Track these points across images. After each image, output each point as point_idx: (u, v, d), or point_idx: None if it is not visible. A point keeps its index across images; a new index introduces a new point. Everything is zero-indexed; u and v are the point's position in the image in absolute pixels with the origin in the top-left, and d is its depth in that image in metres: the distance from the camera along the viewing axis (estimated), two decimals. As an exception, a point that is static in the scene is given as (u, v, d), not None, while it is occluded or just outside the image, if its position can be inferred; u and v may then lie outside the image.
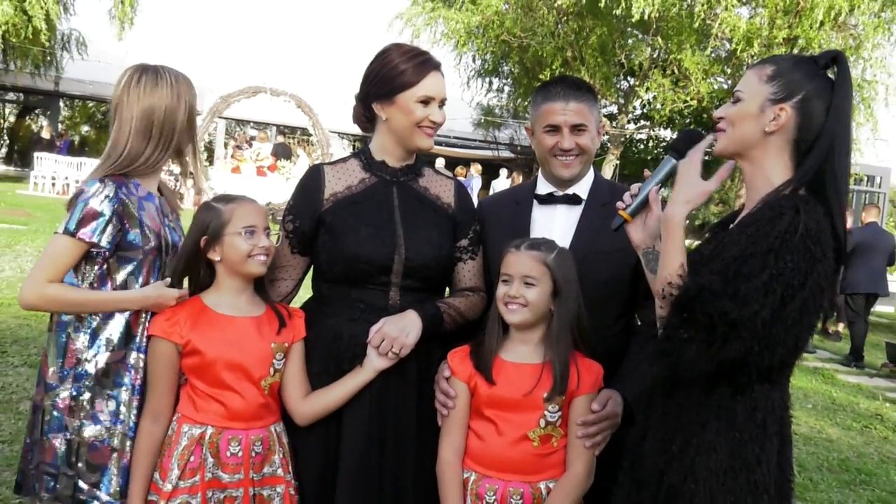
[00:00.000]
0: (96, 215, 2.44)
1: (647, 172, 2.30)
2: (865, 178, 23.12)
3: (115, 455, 2.50)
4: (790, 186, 2.04)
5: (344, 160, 2.73)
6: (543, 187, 2.77)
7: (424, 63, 2.58)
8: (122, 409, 2.51)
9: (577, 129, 2.66)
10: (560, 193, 2.73)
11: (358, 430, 2.50)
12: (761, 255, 1.90)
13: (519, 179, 23.56)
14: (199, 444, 2.40)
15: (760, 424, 2.00)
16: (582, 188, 2.74)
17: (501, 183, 23.14)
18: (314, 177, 2.66)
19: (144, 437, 2.44)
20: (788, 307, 1.90)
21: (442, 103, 2.62)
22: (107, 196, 2.47)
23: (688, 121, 24.15)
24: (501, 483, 2.32)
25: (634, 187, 2.26)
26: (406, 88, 2.55)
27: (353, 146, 34.15)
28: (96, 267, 2.51)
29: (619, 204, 2.22)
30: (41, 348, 6.42)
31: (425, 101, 2.56)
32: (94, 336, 2.50)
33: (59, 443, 2.49)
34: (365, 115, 2.68)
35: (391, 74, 2.56)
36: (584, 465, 2.34)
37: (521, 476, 2.32)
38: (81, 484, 2.48)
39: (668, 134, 26.05)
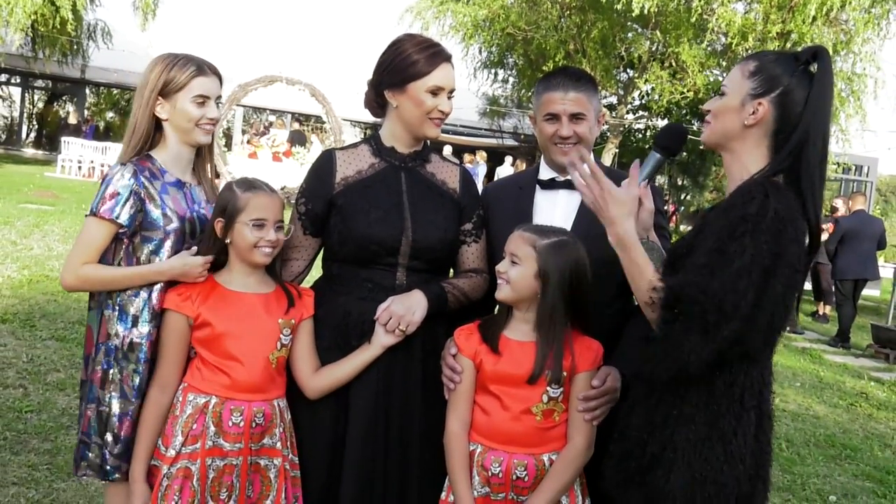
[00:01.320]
0: (115, 195, 2.47)
1: (634, 164, 2.31)
2: (854, 168, 23.01)
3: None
4: (763, 174, 2.05)
5: (355, 146, 2.71)
6: (546, 173, 2.75)
7: (436, 54, 2.56)
8: (145, 384, 2.51)
9: (575, 117, 2.63)
10: (562, 179, 2.71)
11: (365, 404, 2.49)
12: (737, 239, 1.91)
13: (522, 166, 23.51)
14: (203, 413, 2.40)
15: (738, 399, 2.01)
16: (583, 174, 2.71)
17: (506, 170, 23.06)
18: (326, 161, 2.65)
19: (151, 406, 2.44)
20: (770, 287, 1.90)
21: (451, 94, 2.60)
22: (124, 177, 2.49)
23: (684, 112, 24.04)
24: (506, 455, 2.30)
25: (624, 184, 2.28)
26: (417, 78, 2.53)
27: (365, 133, 34.09)
28: (123, 246, 2.53)
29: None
30: (68, 323, 6.50)
31: (435, 92, 2.54)
32: (122, 313, 2.51)
33: (91, 413, 2.53)
34: (376, 101, 2.66)
35: (403, 64, 2.54)
36: (584, 438, 2.33)
37: (524, 449, 2.31)
38: (107, 454, 2.50)
39: (665, 124, 25.94)
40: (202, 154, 2.71)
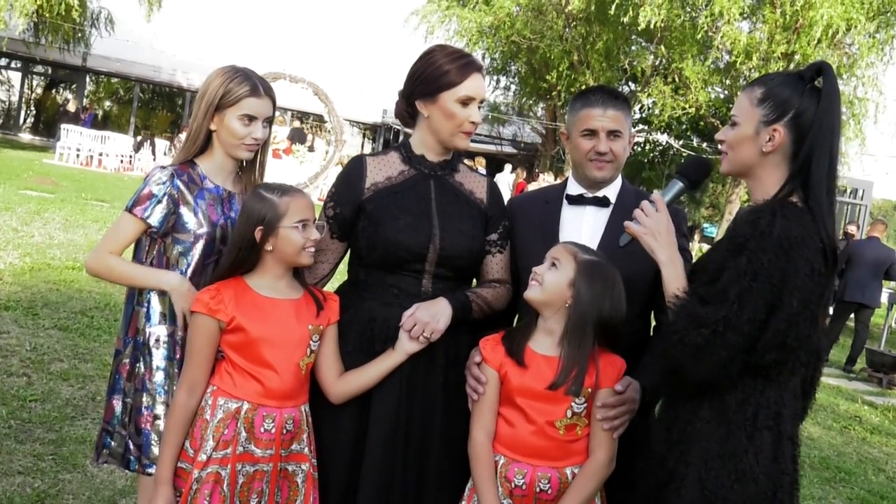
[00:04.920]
0: (150, 196, 2.54)
1: (655, 193, 2.37)
2: (848, 190, 23.12)
3: (157, 422, 2.55)
4: (780, 195, 2.09)
5: (385, 153, 2.74)
6: (574, 188, 2.77)
7: (468, 65, 2.58)
8: (168, 380, 2.56)
9: (612, 134, 2.66)
10: (590, 195, 2.73)
11: (386, 410, 2.51)
12: (738, 256, 1.97)
13: (523, 174, 23.57)
14: (235, 419, 2.39)
15: (751, 417, 2.05)
16: (611, 191, 2.74)
17: (505, 177, 23.13)
18: (356, 166, 2.67)
19: (179, 408, 2.42)
20: (776, 306, 1.95)
21: (481, 104, 2.63)
22: (162, 180, 2.56)
23: (684, 127, 24.16)
24: (530, 468, 2.32)
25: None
26: (448, 88, 2.55)
27: (364, 134, 34.19)
28: (156, 245, 2.60)
29: (629, 224, 2.30)
30: (71, 312, 6.49)
31: (465, 102, 2.56)
32: (150, 310, 2.57)
33: (117, 403, 2.62)
34: (407, 111, 2.69)
35: (435, 74, 2.57)
36: (606, 453, 2.35)
37: (548, 462, 2.33)
38: (130, 444, 2.58)
39: (664, 138, 26.05)
40: (249, 164, 2.74)
